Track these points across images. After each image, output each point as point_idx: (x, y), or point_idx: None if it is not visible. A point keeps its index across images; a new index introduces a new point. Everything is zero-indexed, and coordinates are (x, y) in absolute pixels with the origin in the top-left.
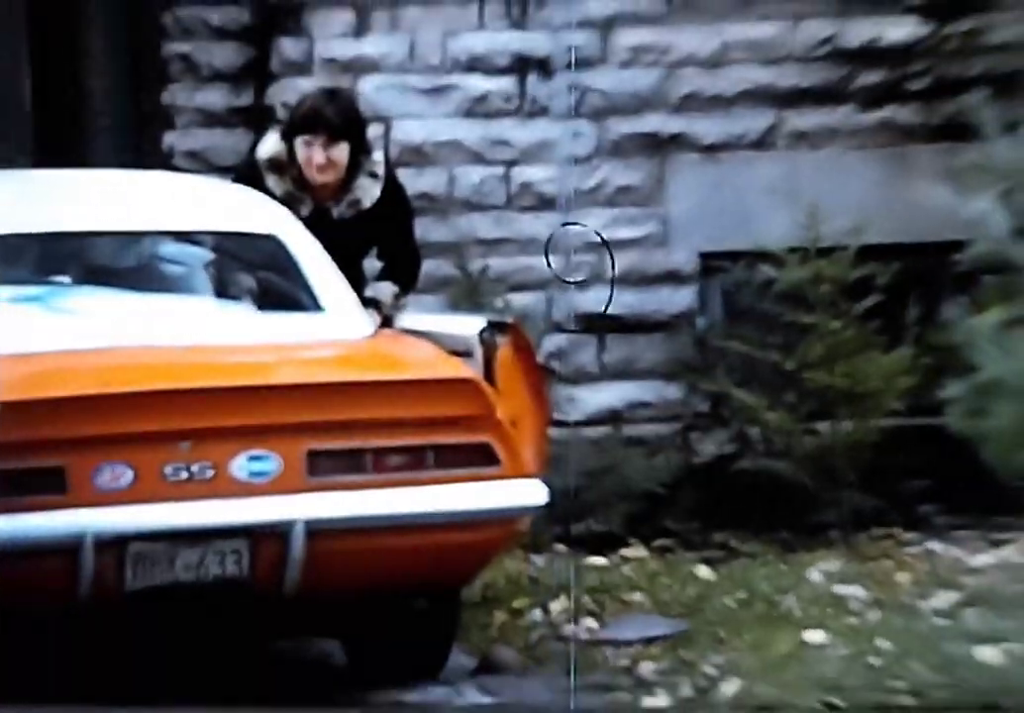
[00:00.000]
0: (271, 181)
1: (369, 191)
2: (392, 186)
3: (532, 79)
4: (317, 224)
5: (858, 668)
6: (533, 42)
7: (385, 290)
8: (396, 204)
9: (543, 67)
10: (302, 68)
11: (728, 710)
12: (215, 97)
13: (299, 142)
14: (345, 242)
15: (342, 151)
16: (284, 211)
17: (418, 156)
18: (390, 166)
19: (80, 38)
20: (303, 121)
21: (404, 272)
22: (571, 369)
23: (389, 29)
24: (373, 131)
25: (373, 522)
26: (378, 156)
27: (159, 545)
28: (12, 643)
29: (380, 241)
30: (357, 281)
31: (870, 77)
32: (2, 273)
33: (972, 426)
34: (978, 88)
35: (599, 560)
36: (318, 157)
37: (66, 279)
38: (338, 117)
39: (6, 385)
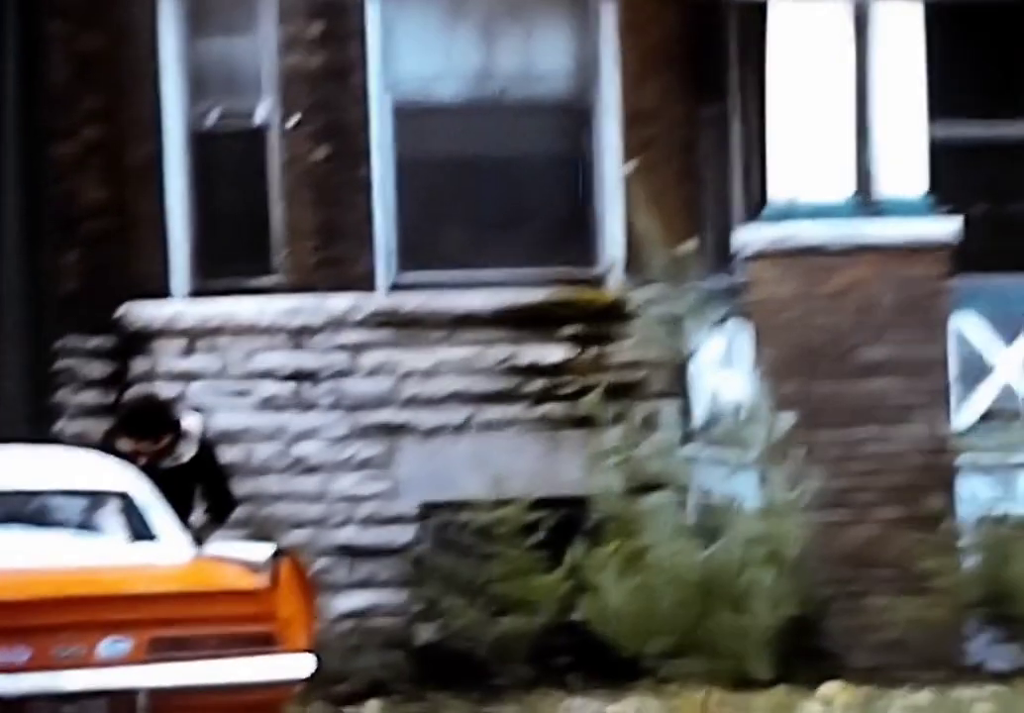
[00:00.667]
0: (121, 444)
1: (187, 451)
2: (204, 447)
3: (306, 385)
4: (153, 473)
5: None
6: (306, 361)
7: (202, 524)
8: (208, 458)
9: (313, 377)
10: (149, 377)
11: None
12: (90, 397)
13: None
14: (175, 484)
15: (159, 442)
16: (131, 472)
17: (227, 437)
18: (205, 435)
19: None
20: (126, 424)
21: (219, 509)
22: (331, 582)
23: (208, 351)
24: (193, 419)
25: (193, 686)
26: (194, 425)
27: (49, 703)
28: None
29: (200, 483)
30: (187, 510)
31: (535, 384)
32: None
33: (599, 624)
34: (601, 393)
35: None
36: (142, 450)
37: None
38: (151, 421)
39: None
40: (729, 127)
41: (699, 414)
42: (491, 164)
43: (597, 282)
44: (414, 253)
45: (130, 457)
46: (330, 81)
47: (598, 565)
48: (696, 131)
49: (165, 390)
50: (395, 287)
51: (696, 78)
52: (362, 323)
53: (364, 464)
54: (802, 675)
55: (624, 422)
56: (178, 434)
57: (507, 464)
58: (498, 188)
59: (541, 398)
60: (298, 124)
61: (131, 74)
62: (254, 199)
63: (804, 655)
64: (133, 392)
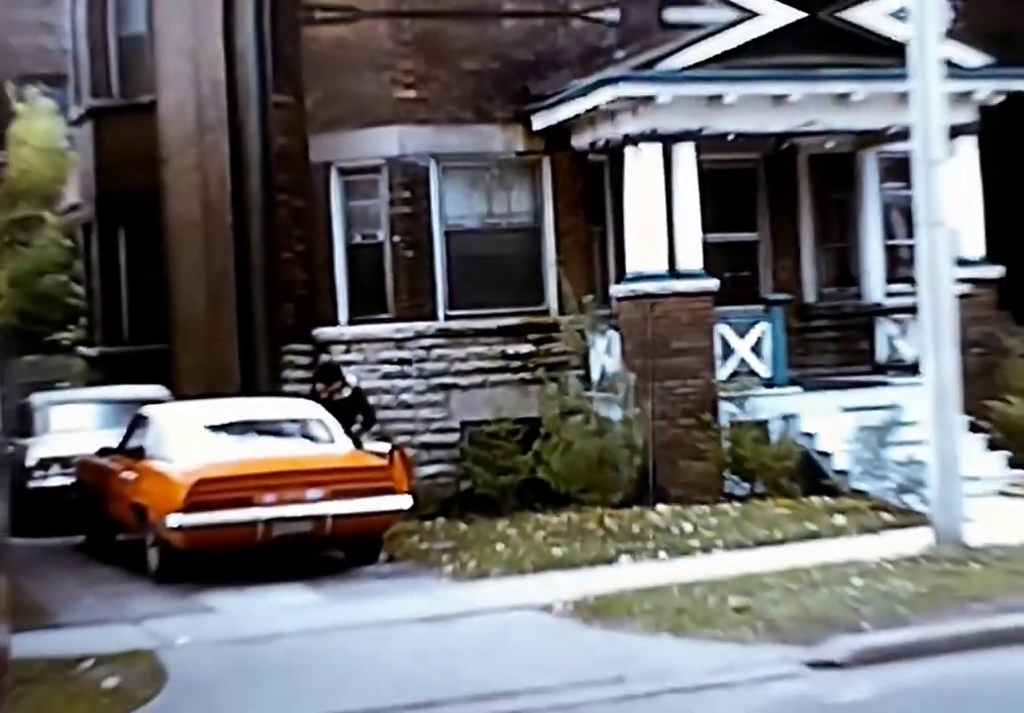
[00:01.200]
0: (317, 389)
1: (347, 392)
2: (356, 390)
3: (404, 366)
4: (331, 405)
5: None
6: (404, 354)
7: (358, 431)
8: (359, 396)
9: (408, 362)
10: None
11: None
12: (300, 374)
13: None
14: (343, 410)
15: (333, 385)
16: (322, 408)
17: (367, 393)
18: (357, 385)
19: None
20: (318, 377)
21: (366, 424)
22: (419, 460)
23: (357, 351)
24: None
25: (353, 512)
26: (351, 378)
27: (284, 522)
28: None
29: (356, 410)
30: (351, 425)
31: (516, 363)
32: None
33: (548, 478)
34: (547, 367)
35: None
36: (326, 390)
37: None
38: (330, 373)
39: (221, 469)
40: (607, 236)
41: (595, 377)
42: (492, 257)
43: (545, 313)
44: (454, 301)
45: (320, 398)
46: (413, 219)
47: (547, 450)
48: (591, 239)
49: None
50: (446, 318)
51: (590, 212)
52: (431, 335)
53: (434, 404)
54: (646, 501)
55: (558, 381)
56: (343, 382)
57: (504, 402)
58: (496, 269)
59: (519, 370)
60: (398, 241)
61: (317, 218)
62: (378, 276)
63: (647, 490)
64: (322, 362)
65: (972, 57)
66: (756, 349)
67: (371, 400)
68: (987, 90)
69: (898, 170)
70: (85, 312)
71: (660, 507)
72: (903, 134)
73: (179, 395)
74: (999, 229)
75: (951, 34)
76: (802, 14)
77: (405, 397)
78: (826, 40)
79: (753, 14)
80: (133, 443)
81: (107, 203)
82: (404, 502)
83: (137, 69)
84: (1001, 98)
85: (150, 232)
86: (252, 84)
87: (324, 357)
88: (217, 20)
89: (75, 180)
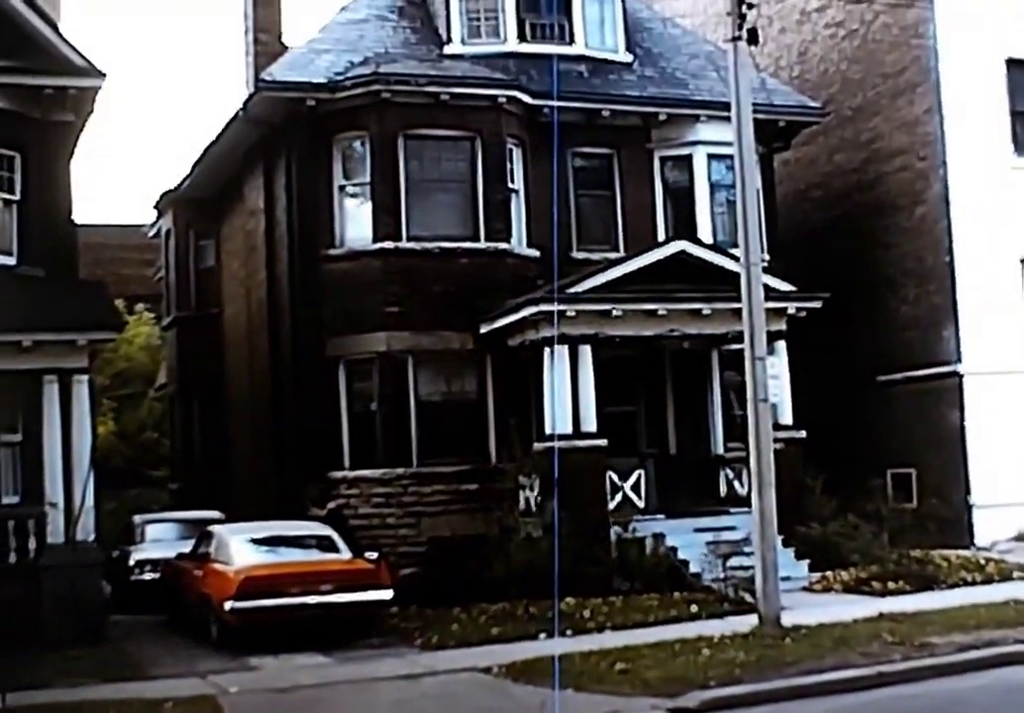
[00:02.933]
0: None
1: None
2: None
3: None
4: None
5: None
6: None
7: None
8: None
9: None
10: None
11: None
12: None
13: None
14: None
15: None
16: (331, 529)
17: None
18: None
19: None
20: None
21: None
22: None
23: None
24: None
25: (374, 600)
26: (333, 514)
27: (306, 610)
28: None
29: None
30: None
31: None
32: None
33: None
34: None
35: None
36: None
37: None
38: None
39: (262, 570)
40: (530, 408)
41: (522, 507)
42: (451, 423)
43: (488, 461)
44: (424, 453)
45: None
46: (396, 396)
47: (491, 558)
48: (520, 410)
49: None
50: (418, 464)
51: (519, 391)
52: (407, 477)
53: (409, 525)
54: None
55: (498, 510)
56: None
57: (459, 524)
58: (453, 431)
59: (470, 501)
60: (385, 411)
61: (331, 394)
62: (371, 435)
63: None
64: (329, 508)
65: (783, 285)
66: (635, 488)
67: (363, 522)
68: (793, 307)
69: (734, 362)
70: (170, 457)
71: (568, 599)
72: (738, 338)
73: (233, 517)
74: (804, 405)
75: (768, 270)
76: (669, 253)
77: (389, 520)
78: (684, 272)
79: (631, 256)
80: (201, 550)
81: (186, 383)
82: (388, 595)
83: (208, 290)
84: (803, 313)
85: (215, 402)
86: (286, 301)
87: (331, 504)
88: (262, 256)
89: (165, 367)
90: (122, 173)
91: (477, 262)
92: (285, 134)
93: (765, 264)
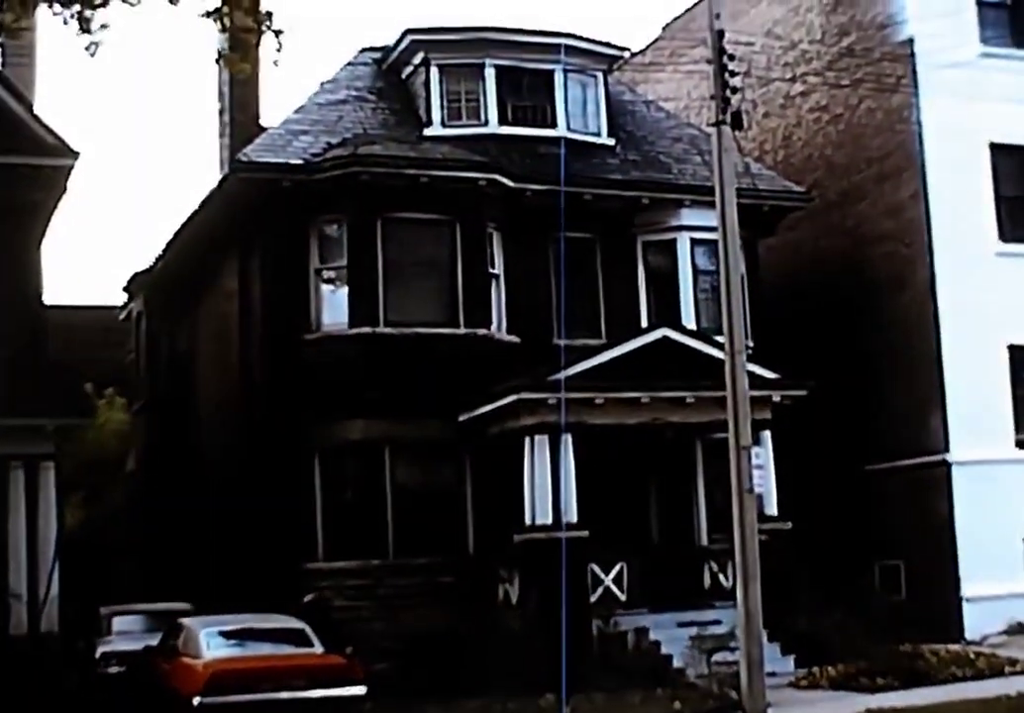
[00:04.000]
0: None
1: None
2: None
3: None
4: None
5: None
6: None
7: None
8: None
9: None
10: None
11: None
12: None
13: None
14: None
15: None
16: (304, 623)
17: None
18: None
19: None
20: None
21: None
22: None
23: None
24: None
25: (324, 697)
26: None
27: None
28: None
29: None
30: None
31: None
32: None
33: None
34: None
35: None
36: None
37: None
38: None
39: (231, 664)
40: (510, 498)
41: (501, 598)
42: (427, 514)
43: (466, 552)
44: (400, 545)
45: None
46: (372, 486)
47: (468, 650)
48: (499, 500)
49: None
50: (394, 556)
51: (498, 479)
52: (383, 568)
53: (384, 618)
54: (539, 691)
55: (475, 602)
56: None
57: (434, 616)
58: (429, 522)
59: (446, 593)
60: (361, 502)
61: (307, 485)
62: (348, 526)
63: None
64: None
65: (768, 373)
66: (617, 580)
67: (338, 615)
68: (779, 396)
69: (719, 451)
70: (139, 547)
71: (548, 695)
72: (722, 426)
73: (203, 608)
74: (790, 495)
75: (753, 358)
76: (652, 340)
77: (364, 613)
78: (668, 360)
79: (614, 343)
80: (169, 643)
81: (155, 470)
82: (362, 690)
83: (180, 375)
84: (789, 401)
85: (186, 490)
86: (260, 387)
87: (307, 597)
88: (236, 340)
89: (134, 454)
90: (94, 254)
91: (456, 348)
92: (260, 216)
93: (750, 351)
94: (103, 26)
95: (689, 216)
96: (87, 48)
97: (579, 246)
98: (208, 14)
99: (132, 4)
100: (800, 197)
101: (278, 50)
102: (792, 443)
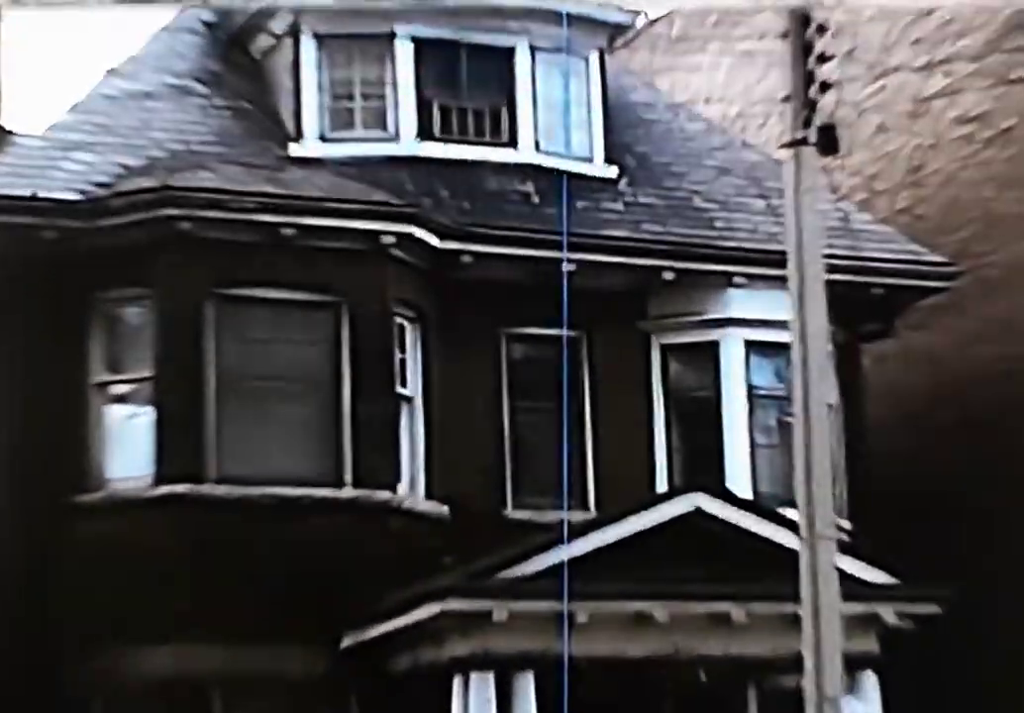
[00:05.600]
0: None
1: None
2: None
3: None
4: None
5: None
6: None
7: None
8: None
9: None
10: None
11: None
12: None
13: None
14: None
15: None
16: None
17: None
18: None
19: None
20: None
21: None
22: None
23: None
24: None
25: None
26: None
27: None
28: None
29: None
30: None
31: None
32: None
33: None
34: None
35: None
36: None
37: None
38: None
39: None
40: None
41: None
42: None
43: None
44: None
45: None
46: None
47: None
48: None
49: None
50: None
51: None
52: None
53: None
54: None
55: None
56: None
57: None
58: None
59: None
60: None
61: None
62: None
63: None
64: None
65: (873, 574)
66: None
67: None
68: (892, 613)
69: (783, 705)
70: None
71: None
72: (792, 664)
73: None
74: None
75: (848, 547)
76: (675, 514)
77: None
78: (700, 548)
79: (608, 519)
80: None
81: None
82: None
83: None
84: (910, 622)
85: None
86: (6, 590)
87: None
88: None
89: None
90: None
91: (339, 523)
92: (8, 289)
93: (844, 536)
94: None
95: (741, 302)
96: None
97: (552, 351)
98: None
99: None
100: (937, 271)
101: None
102: (918, 690)
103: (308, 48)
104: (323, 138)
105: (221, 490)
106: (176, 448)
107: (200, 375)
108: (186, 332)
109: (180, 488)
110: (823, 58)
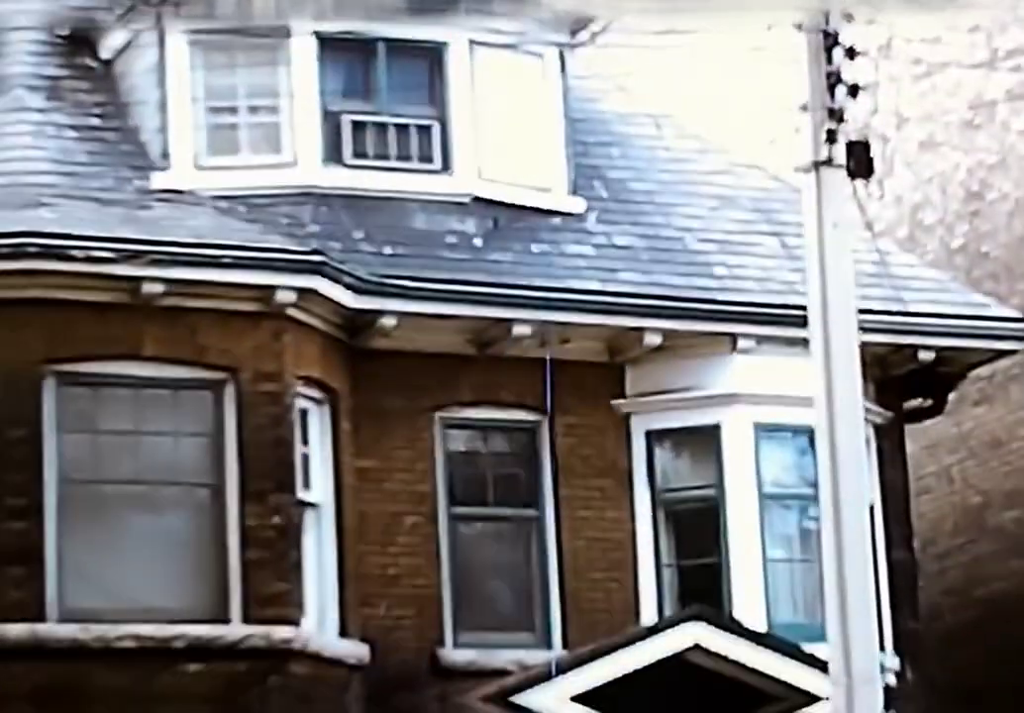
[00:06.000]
0: None
1: None
2: None
3: None
4: None
5: None
6: None
7: None
8: None
9: None
10: None
11: None
12: None
13: None
14: None
15: None
16: None
17: None
18: None
19: None
20: None
21: None
22: None
23: None
24: None
25: None
26: None
27: None
28: None
29: None
30: None
31: None
32: None
33: None
34: None
35: None
36: None
37: None
38: None
39: None
40: None
41: None
42: None
43: None
44: None
45: None
46: None
47: None
48: None
49: None
50: None
51: None
52: None
53: None
54: None
55: None
56: None
57: None
58: None
59: None
60: None
61: None
62: None
63: None
64: None
65: None
66: None
67: None
68: None
69: None
70: None
71: None
72: None
73: None
74: None
75: (894, 692)
76: (668, 653)
77: None
78: (701, 695)
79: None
80: None
81: None
82: None
83: None
84: None
85: None
86: None
87: None
88: None
89: None
90: None
91: (223, 672)
92: None
93: (892, 677)
94: None
95: (749, 372)
96: None
97: (501, 442)
98: None
99: None
100: (1005, 328)
101: None
102: None
103: (178, 46)
104: (198, 165)
105: (64, 631)
106: (6, 577)
107: (36, 480)
108: (16, 422)
109: (13, 630)
110: (852, 52)
